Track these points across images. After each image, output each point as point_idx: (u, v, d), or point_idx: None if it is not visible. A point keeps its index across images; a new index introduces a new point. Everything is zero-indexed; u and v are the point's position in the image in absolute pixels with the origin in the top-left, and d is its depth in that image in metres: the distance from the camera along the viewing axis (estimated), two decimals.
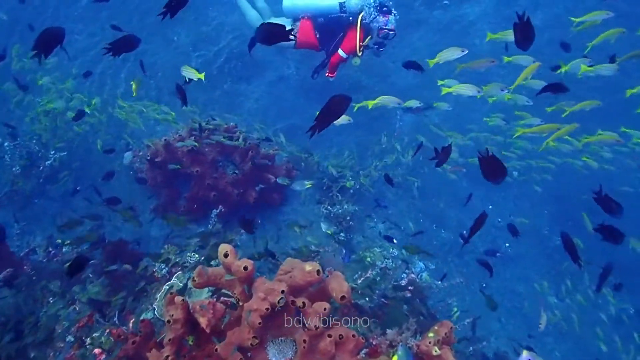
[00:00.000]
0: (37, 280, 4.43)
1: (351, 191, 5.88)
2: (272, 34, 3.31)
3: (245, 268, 2.57)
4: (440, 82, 5.25)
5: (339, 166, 5.93)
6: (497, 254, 5.71)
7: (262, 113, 6.60)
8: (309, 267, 2.64)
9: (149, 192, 5.63)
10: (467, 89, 4.89)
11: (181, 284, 3.77)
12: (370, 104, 5.23)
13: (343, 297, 2.61)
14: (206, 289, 3.60)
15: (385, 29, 5.69)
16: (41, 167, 5.39)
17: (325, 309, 2.58)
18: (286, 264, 2.95)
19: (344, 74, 6.86)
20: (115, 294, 3.89)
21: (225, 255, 2.62)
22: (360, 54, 5.83)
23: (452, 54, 4.76)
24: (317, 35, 5.95)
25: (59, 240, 5.12)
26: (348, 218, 5.60)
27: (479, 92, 4.76)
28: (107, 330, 3.52)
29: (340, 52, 5.87)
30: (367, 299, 4.19)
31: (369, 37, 5.79)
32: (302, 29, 5.98)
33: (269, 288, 2.55)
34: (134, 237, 5.24)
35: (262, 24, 3.42)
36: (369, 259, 4.94)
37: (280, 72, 6.96)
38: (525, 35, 3.10)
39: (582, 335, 5.61)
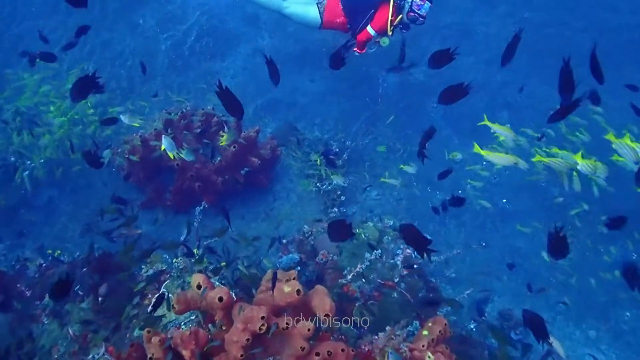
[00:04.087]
0: (31, 298, 4.40)
1: (340, 162, 5.74)
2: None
3: (220, 299, 2.47)
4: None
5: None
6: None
7: (240, 90, 6.34)
8: (287, 288, 2.55)
9: (134, 188, 5.52)
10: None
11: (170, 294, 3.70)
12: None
13: (327, 315, 2.53)
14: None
15: (417, 12, 5.26)
16: (19, 180, 5.24)
17: (309, 330, 2.50)
18: (268, 277, 2.86)
19: (319, 39, 6.57)
20: (106, 312, 3.84)
21: (199, 287, 2.52)
22: (390, 33, 5.42)
23: None
24: (346, 15, 5.55)
25: (49, 251, 5.07)
26: (339, 192, 5.48)
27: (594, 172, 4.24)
28: (102, 352, 3.49)
29: (369, 29, 5.43)
30: (363, 280, 4.15)
31: (400, 16, 5.35)
32: (329, 7, 5.59)
33: (248, 316, 2.46)
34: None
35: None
36: (363, 236, 4.83)
37: (254, 43, 6.66)
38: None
39: (585, 286, 5.57)
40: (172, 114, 5.35)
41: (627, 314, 5.61)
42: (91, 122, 5.69)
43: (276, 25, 6.71)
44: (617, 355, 5.48)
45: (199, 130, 5.28)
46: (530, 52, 6.65)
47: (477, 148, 4.47)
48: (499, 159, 4.32)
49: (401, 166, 5.41)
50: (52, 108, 5.53)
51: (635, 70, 6.41)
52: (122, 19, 6.54)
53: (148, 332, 2.51)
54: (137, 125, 4.62)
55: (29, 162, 5.28)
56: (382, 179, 5.63)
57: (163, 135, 4.47)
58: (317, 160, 5.60)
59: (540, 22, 6.57)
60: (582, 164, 4.24)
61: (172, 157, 4.47)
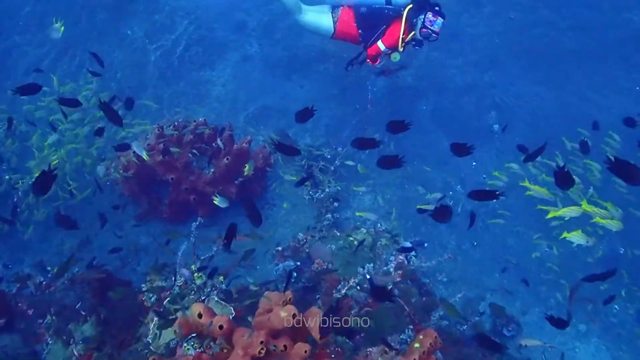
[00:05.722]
0: (34, 318, 4.46)
1: (332, 168, 5.82)
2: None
3: (221, 327, 2.57)
4: None
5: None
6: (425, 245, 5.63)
7: (231, 99, 6.41)
8: (283, 313, 2.64)
9: (129, 203, 5.58)
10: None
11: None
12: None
13: (321, 338, 2.63)
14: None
15: (430, 29, 5.32)
16: (15, 198, 5.30)
17: (306, 352, 2.60)
18: (264, 301, 2.96)
19: (307, 44, 6.64)
20: (110, 329, 3.92)
21: (199, 316, 2.62)
22: (401, 49, 5.50)
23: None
24: (358, 27, 5.61)
25: (49, 268, 5.12)
26: (331, 200, 5.57)
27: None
28: None
29: (379, 44, 5.51)
30: (358, 288, 4.25)
31: (413, 33, 5.44)
32: (342, 18, 5.65)
33: (248, 342, 2.56)
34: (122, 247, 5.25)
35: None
36: (356, 243, 4.92)
37: (243, 51, 6.71)
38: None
39: (574, 281, 5.68)
40: (165, 127, 5.41)
41: (616, 307, 5.76)
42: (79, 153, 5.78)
43: (264, 32, 6.76)
44: (607, 347, 5.64)
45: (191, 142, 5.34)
46: (517, 52, 6.75)
47: (552, 213, 4.85)
48: (569, 212, 4.57)
49: (419, 206, 5.58)
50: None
51: (620, 68, 6.52)
52: (110, 30, 6.56)
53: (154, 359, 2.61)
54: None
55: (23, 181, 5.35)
56: (419, 206, 5.72)
57: (134, 141, 4.59)
58: (292, 179, 5.69)
59: (526, 22, 6.66)
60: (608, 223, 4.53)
61: (145, 158, 4.58)
